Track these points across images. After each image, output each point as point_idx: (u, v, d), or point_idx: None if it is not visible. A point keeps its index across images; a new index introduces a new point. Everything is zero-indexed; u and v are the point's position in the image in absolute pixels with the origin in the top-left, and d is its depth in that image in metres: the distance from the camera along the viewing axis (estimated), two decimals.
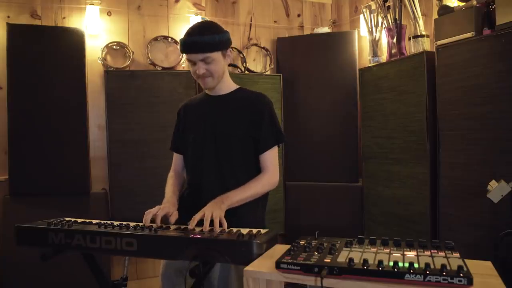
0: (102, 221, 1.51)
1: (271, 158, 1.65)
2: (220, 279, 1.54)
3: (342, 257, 1.08)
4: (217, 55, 1.58)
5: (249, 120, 1.64)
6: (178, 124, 1.81)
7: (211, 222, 1.39)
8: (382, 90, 2.87)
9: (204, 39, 1.54)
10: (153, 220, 1.48)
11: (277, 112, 1.73)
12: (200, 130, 1.69)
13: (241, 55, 3.52)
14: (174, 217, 1.51)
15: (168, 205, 1.56)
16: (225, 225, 1.39)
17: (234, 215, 1.48)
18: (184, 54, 1.66)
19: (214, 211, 1.40)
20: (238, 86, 1.75)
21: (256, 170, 1.65)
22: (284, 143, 1.74)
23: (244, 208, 1.56)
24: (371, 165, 3.04)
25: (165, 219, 1.51)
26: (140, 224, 1.47)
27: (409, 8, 2.67)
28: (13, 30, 2.76)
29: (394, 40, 2.85)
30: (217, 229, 1.36)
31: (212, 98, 1.71)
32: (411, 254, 1.10)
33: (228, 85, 1.72)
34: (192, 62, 1.59)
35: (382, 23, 3.01)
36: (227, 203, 1.48)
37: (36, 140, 2.79)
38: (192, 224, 1.40)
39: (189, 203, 1.63)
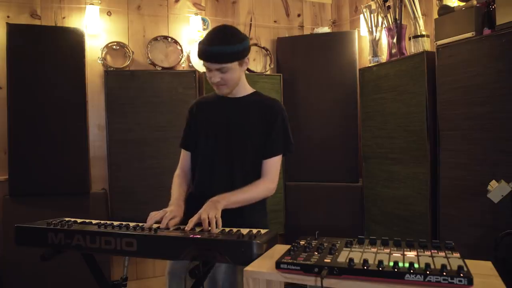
0: (102, 221, 1.51)
1: (274, 165, 1.65)
2: (225, 280, 1.54)
3: (342, 257, 1.08)
4: (233, 65, 1.56)
5: (262, 125, 1.64)
6: (190, 122, 1.79)
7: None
8: (382, 90, 2.87)
9: (223, 49, 1.51)
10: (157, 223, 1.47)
11: None
12: (214, 130, 1.69)
13: None
14: (174, 222, 1.48)
15: (176, 209, 1.55)
16: (220, 224, 1.39)
17: (235, 222, 1.47)
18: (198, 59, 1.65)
19: (210, 212, 1.40)
20: (253, 90, 1.74)
21: None
22: (291, 153, 1.72)
23: (243, 216, 1.56)
24: (371, 165, 3.03)
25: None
26: (140, 224, 1.47)
27: (409, 8, 2.67)
28: (13, 30, 2.76)
29: (394, 40, 2.85)
30: (214, 230, 1.36)
31: (227, 100, 1.70)
32: (411, 254, 1.10)
33: (244, 88, 1.72)
34: (208, 69, 1.59)
35: (382, 23, 3.01)
36: (223, 202, 1.47)
37: (36, 140, 2.78)
38: (189, 226, 1.40)
39: (197, 202, 1.63)
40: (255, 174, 1.64)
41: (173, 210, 1.52)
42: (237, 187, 1.58)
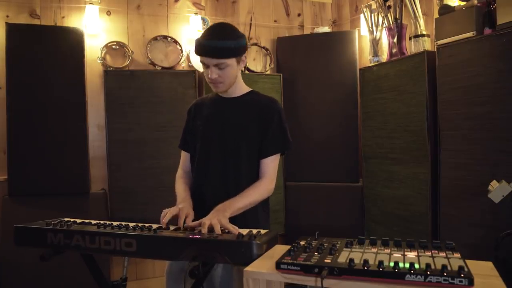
0: (102, 222, 1.51)
1: (272, 165, 1.64)
2: (221, 282, 1.53)
3: (343, 258, 1.07)
4: (231, 61, 1.56)
5: (258, 124, 1.64)
6: (188, 123, 1.80)
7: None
8: (383, 90, 2.87)
9: (221, 44, 1.51)
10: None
11: None
12: (209, 131, 1.69)
13: None
14: (190, 218, 1.48)
15: (187, 206, 1.55)
16: (235, 229, 1.38)
17: (235, 223, 1.46)
18: (197, 55, 1.65)
19: (213, 220, 1.38)
20: (250, 89, 1.74)
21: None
22: (289, 150, 1.72)
23: (245, 216, 1.55)
24: (371, 165, 3.03)
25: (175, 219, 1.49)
26: (140, 224, 1.46)
27: (409, 8, 2.66)
28: (12, 29, 2.76)
29: (395, 40, 2.84)
30: (218, 231, 1.34)
31: (223, 100, 1.71)
32: (411, 254, 1.09)
33: (241, 88, 1.71)
34: (205, 65, 1.57)
35: (382, 23, 3.01)
36: (229, 211, 1.47)
37: (36, 140, 2.78)
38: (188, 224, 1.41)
39: (194, 204, 1.62)
40: (250, 175, 1.63)
41: (184, 207, 1.52)
42: (229, 188, 1.58)
